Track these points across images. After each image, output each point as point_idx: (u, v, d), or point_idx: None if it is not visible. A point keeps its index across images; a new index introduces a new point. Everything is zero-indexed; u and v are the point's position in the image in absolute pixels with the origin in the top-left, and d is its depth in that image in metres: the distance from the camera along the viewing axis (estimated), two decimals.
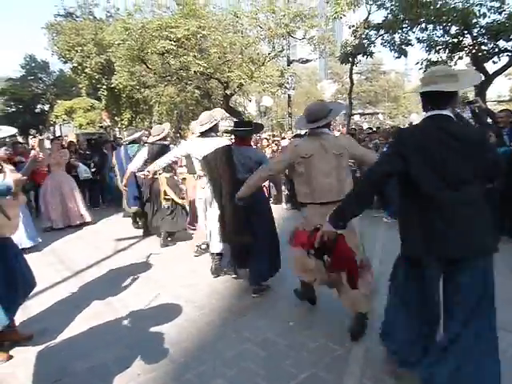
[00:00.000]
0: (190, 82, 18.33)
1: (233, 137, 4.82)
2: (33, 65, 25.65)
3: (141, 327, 3.30)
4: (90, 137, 13.95)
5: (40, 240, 5.87)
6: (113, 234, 6.54)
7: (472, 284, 2.09)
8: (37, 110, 26.03)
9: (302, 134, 7.42)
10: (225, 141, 4.42)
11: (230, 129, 4.62)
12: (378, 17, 16.23)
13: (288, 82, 18.65)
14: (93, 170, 9.23)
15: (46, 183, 7.14)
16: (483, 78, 14.84)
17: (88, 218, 7.37)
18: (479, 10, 13.35)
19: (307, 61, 21.17)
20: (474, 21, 13.52)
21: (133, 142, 6.95)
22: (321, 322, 3.29)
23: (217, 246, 4.41)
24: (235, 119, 8.43)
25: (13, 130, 3.48)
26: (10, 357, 2.88)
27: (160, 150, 5.67)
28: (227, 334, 3.15)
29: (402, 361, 2.40)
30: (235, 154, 3.94)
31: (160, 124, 7.52)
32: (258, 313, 3.51)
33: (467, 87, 2.27)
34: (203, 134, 4.39)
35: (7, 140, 7.25)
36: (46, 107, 26.10)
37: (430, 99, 2.12)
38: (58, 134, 25.10)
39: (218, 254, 4.48)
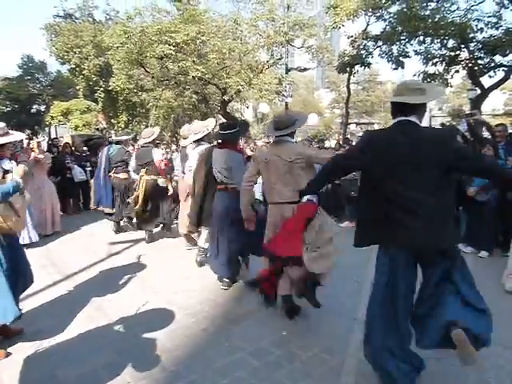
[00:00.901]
0: (187, 87, 18.37)
1: None
2: (30, 65, 25.57)
3: (132, 333, 3.26)
4: (89, 137, 13.91)
5: (38, 239, 5.91)
6: (107, 237, 6.48)
7: None
8: (32, 110, 25.92)
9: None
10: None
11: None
12: (377, 28, 16.47)
13: (286, 90, 18.75)
14: (89, 169, 9.17)
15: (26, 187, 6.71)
16: (479, 92, 15.05)
17: (58, 228, 6.88)
18: (476, 25, 13.57)
19: (305, 69, 21.31)
20: (472, 35, 13.73)
21: (118, 142, 6.98)
22: (314, 332, 3.27)
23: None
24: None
25: (22, 136, 3.55)
26: None
27: (146, 152, 6.03)
28: (220, 343, 3.12)
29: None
30: (214, 156, 4.19)
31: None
32: (252, 321, 3.48)
33: (432, 100, 2.60)
34: (196, 142, 4.98)
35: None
36: (42, 108, 26.00)
37: (398, 108, 2.34)
38: (53, 134, 24.98)
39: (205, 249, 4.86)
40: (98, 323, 3.41)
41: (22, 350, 2.97)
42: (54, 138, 13.30)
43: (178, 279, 4.54)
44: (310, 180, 2.78)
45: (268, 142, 9.58)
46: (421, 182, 2.18)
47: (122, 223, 6.95)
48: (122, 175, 6.62)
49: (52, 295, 4.05)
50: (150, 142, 6.13)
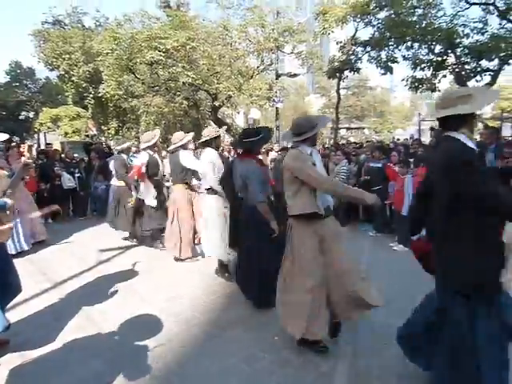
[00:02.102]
0: (178, 93, 18.34)
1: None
2: (18, 71, 25.33)
3: (122, 341, 3.22)
4: (89, 143, 14.04)
5: (27, 247, 5.87)
6: (96, 244, 6.39)
7: None
8: (21, 117, 25.58)
9: (289, 146, 7.56)
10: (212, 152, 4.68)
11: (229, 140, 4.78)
12: (365, 34, 16.65)
13: (276, 96, 18.81)
14: (77, 175, 9.09)
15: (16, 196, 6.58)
16: None
17: (44, 236, 6.64)
18: (463, 31, 13.81)
19: (295, 75, 21.43)
20: (458, 41, 13.95)
21: (121, 151, 6.97)
22: None
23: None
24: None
25: (4, 136, 3.49)
26: None
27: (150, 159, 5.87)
28: (211, 349, 3.09)
29: None
30: (235, 168, 3.93)
31: None
32: (243, 327, 3.46)
33: (482, 108, 2.18)
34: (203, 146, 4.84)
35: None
36: (31, 114, 25.70)
37: (442, 122, 2.12)
38: (42, 141, 24.75)
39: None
40: (87, 332, 3.36)
41: (10, 361, 2.91)
42: (48, 144, 13.23)
43: (168, 287, 4.50)
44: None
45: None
46: (443, 209, 2.07)
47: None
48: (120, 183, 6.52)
49: (40, 304, 3.98)
50: (150, 147, 5.89)
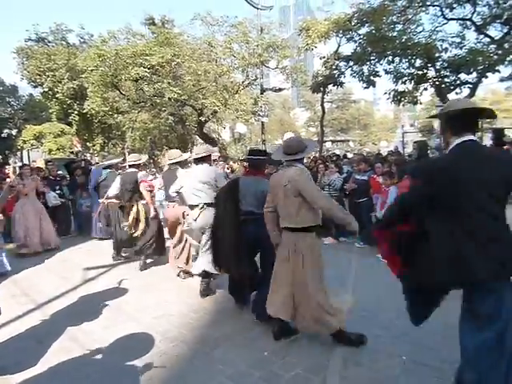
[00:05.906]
0: (164, 109, 18.35)
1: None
2: (0, 88, 25.13)
3: (109, 362, 3.14)
4: (71, 160, 13.82)
5: (9, 268, 5.74)
6: (82, 263, 6.28)
7: None
8: (3, 135, 25.28)
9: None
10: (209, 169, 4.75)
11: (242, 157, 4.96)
12: (348, 49, 17.04)
13: (261, 110, 18.95)
14: (58, 192, 8.98)
15: (25, 208, 7.01)
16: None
17: (57, 244, 7.41)
18: (441, 45, 14.24)
19: (280, 89, 21.65)
20: (437, 55, 14.36)
21: (108, 166, 6.97)
22: (295, 351, 3.23)
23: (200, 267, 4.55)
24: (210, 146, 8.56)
25: None
26: None
27: (131, 178, 5.94)
28: (199, 367, 3.04)
29: None
30: (242, 185, 3.93)
31: (133, 151, 7.71)
32: (231, 344, 3.42)
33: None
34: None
35: None
36: (14, 132, 25.40)
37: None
38: (25, 159, 24.39)
39: (204, 276, 4.59)
40: (72, 354, 3.27)
41: None
42: (31, 161, 13.09)
43: (156, 305, 4.43)
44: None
45: (243, 160, 9.62)
46: None
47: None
48: (116, 200, 6.34)
49: (23, 327, 3.86)
50: (133, 166, 6.07)
